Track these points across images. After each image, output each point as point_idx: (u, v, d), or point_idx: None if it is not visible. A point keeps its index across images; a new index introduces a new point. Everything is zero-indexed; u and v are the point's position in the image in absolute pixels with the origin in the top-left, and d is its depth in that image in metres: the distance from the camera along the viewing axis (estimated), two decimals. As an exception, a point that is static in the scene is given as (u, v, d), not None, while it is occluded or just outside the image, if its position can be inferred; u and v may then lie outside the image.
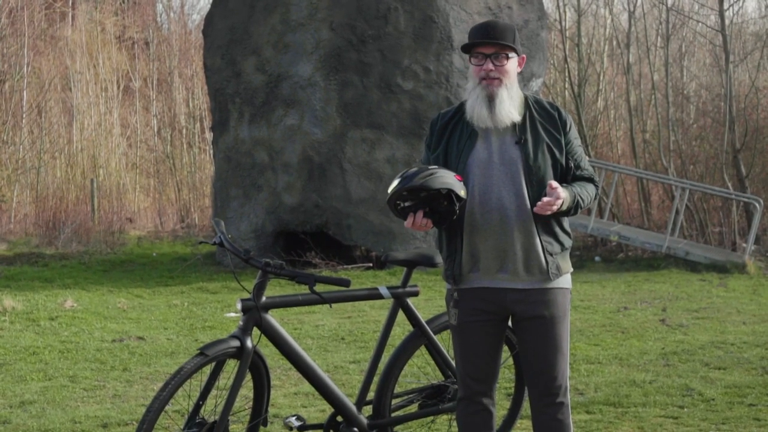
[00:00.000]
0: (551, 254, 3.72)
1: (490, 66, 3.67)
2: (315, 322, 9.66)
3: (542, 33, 15.69)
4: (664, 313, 10.16)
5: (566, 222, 3.81)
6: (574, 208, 3.71)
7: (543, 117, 3.77)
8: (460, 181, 3.64)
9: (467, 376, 3.85)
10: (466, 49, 3.73)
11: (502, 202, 3.68)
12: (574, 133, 3.81)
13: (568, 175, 3.78)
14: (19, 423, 5.79)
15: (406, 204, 3.66)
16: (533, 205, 3.67)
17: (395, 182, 3.66)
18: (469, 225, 3.72)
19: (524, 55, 3.81)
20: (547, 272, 3.70)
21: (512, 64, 3.72)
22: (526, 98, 3.79)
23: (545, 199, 3.58)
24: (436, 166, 3.68)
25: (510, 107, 3.68)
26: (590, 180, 3.83)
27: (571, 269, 3.84)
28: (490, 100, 3.67)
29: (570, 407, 3.85)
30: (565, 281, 3.79)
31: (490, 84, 3.68)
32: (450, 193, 3.60)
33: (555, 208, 3.60)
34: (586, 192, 3.76)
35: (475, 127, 3.74)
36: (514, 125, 3.71)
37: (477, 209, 3.70)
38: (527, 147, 3.70)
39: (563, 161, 3.75)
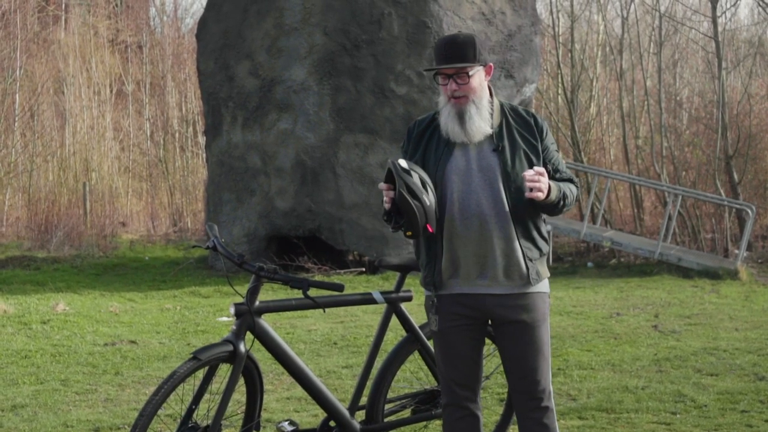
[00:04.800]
0: (531, 260, 3.74)
1: (454, 86, 3.72)
2: (308, 327, 9.65)
3: (535, 39, 15.72)
4: (656, 319, 10.17)
5: (544, 228, 3.83)
6: (562, 200, 3.72)
7: (519, 124, 3.80)
8: (431, 231, 3.63)
9: (452, 381, 3.85)
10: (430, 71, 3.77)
11: (482, 209, 3.70)
12: (550, 139, 3.85)
13: None
14: (11, 427, 5.76)
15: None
16: (512, 210, 3.69)
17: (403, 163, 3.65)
18: (449, 232, 3.73)
19: (491, 64, 3.82)
20: (528, 278, 3.73)
21: (477, 79, 3.73)
22: (501, 105, 3.82)
23: (531, 171, 3.57)
24: (431, 190, 3.64)
25: (480, 122, 3.71)
26: (569, 181, 3.86)
27: (549, 274, 3.86)
28: (461, 117, 3.71)
29: (555, 412, 3.85)
30: (543, 286, 3.81)
31: (457, 102, 3.72)
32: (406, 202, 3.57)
33: (541, 185, 3.57)
34: (569, 189, 3.80)
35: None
36: (491, 133, 3.73)
37: (457, 216, 3.71)
38: (504, 154, 3.72)
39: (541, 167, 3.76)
